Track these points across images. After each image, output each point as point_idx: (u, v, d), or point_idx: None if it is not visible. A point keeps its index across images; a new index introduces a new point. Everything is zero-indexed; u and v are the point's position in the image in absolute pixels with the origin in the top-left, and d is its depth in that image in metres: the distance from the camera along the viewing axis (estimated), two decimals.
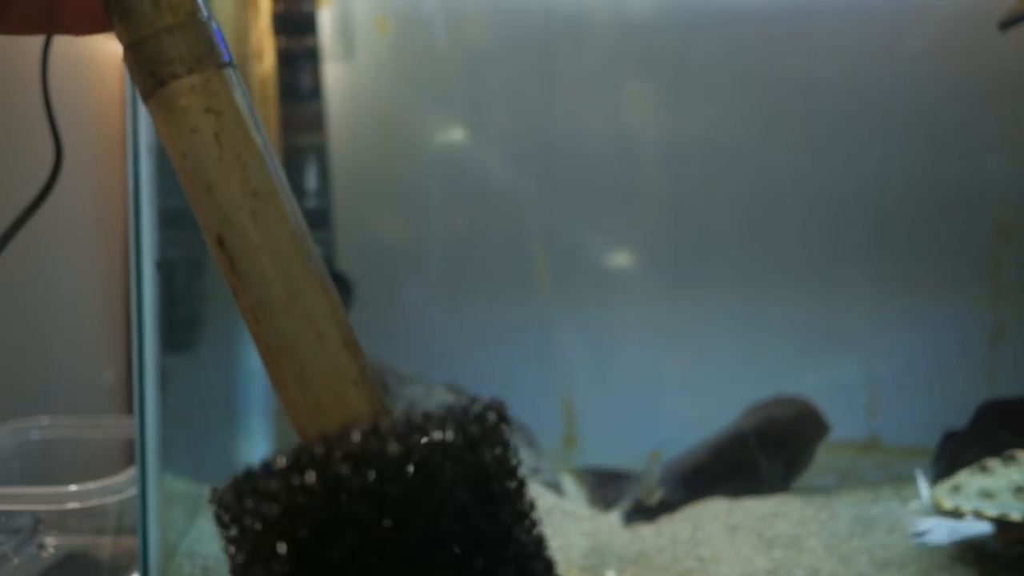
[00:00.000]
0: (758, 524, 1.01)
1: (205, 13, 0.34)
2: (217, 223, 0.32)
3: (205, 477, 1.14)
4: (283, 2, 1.20)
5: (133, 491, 0.89)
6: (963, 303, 1.21)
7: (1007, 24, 1.01)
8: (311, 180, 1.25)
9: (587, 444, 1.21)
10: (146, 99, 0.33)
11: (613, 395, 1.24)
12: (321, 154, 1.24)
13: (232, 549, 0.32)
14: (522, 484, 0.31)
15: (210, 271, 1.22)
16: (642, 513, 1.06)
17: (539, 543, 0.31)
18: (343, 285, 1.24)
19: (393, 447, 0.29)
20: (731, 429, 1.11)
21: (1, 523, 0.94)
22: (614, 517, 1.07)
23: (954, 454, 1.05)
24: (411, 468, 0.28)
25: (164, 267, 0.92)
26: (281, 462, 0.30)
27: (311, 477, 0.29)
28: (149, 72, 0.33)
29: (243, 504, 0.31)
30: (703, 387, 1.20)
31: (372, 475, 0.28)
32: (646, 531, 1.02)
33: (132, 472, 0.90)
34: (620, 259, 1.26)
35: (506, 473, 0.31)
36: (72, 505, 0.90)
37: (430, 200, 1.27)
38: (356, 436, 0.29)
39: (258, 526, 0.30)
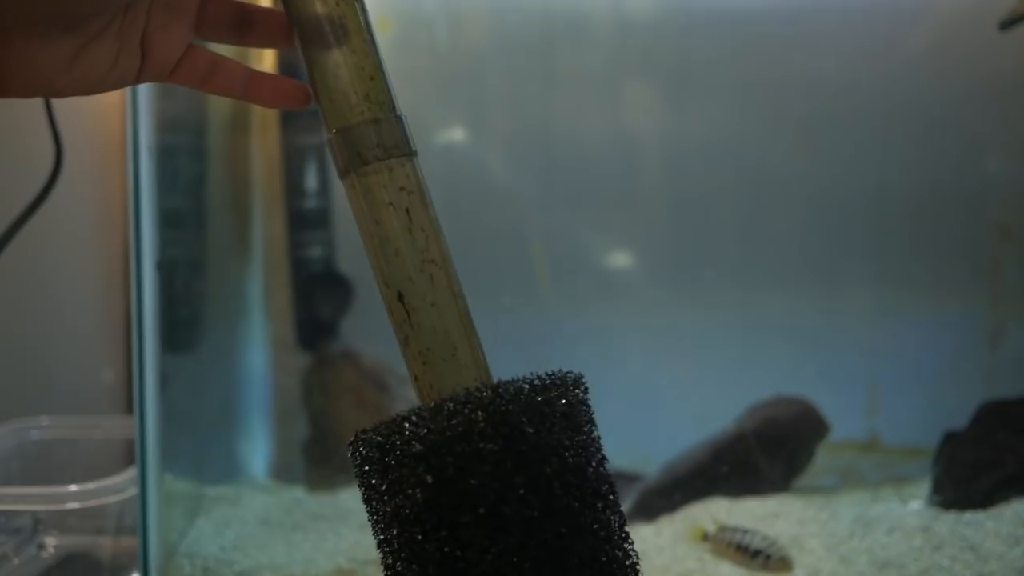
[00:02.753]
0: (758, 524, 1.01)
1: (400, 111, 0.40)
2: (400, 282, 0.39)
3: (205, 477, 1.14)
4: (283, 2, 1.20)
5: (133, 491, 0.89)
6: (963, 303, 1.21)
7: (1007, 24, 1.01)
8: (311, 180, 1.25)
9: None
10: (345, 175, 0.39)
11: (613, 395, 1.24)
12: (321, 154, 1.24)
13: (376, 481, 0.37)
14: (599, 446, 0.40)
15: (210, 271, 1.22)
16: (642, 513, 1.06)
17: (618, 514, 0.40)
18: (343, 285, 1.24)
19: (509, 404, 0.36)
20: (731, 429, 1.11)
21: (1, 523, 0.94)
22: None
23: (954, 454, 1.05)
24: (526, 421, 0.36)
25: (164, 267, 0.92)
26: (425, 412, 0.37)
27: (453, 421, 0.36)
28: (355, 153, 0.39)
29: (391, 441, 0.36)
30: (703, 387, 1.20)
31: (500, 423, 0.36)
32: (646, 531, 1.02)
33: (132, 472, 0.90)
34: (620, 259, 1.26)
35: (591, 433, 0.39)
36: (72, 505, 0.90)
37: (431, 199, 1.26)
38: (486, 393, 0.36)
39: (406, 459, 0.36)
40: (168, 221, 0.95)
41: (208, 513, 1.08)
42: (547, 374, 0.39)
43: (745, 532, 0.94)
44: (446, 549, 0.35)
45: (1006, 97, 1.16)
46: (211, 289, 1.22)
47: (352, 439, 0.38)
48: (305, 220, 1.24)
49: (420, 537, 0.36)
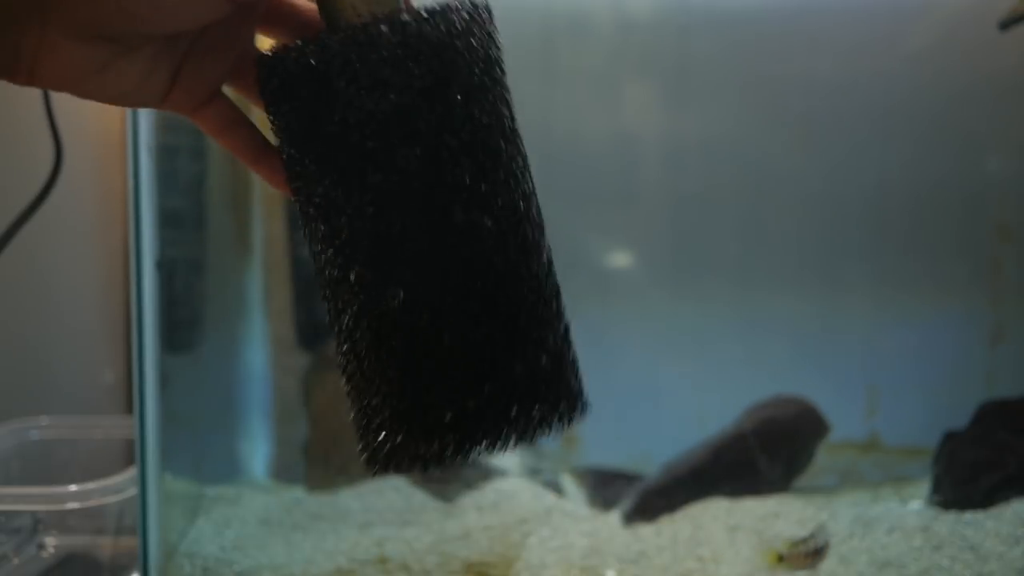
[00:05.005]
0: (758, 524, 1.01)
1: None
2: None
3: (205, 477, 1.14)
4: None
5: (133, 491, 0.89)
6: (963, 303, 1.21)
7: (1007, 24, 1.01)
8: None
9: (587, 444, 1.21)
10: None
11: (613, 395, 1.24)
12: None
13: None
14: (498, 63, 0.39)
15: (210, 271, 1.22)
16: (642, 513, 1.06)
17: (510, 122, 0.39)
18: None
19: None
20: (731, 429, 1.11)
21: (1, 523, 0.94)
22: (614, 517, 1.07)
23: (954, 454, 1.05)
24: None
25: (164, 267, 0.92)
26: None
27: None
28: None
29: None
30: (703, 387, 1.20)
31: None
32: (646, 531, 1.02)
33: (132, 472, 0.90)
34: (620, 259, 1.26)
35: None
36: (72, 505, 0.90)
37: None
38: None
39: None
40: (168, 221, 0.95)
41: (208, 513, 1.08)
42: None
43: (810, 536, 0.94)
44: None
45: (1006, 97, 1.16)
46: (211, 289, 1.22)
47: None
48: None
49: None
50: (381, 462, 0.38)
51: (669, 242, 1.24)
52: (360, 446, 0.38)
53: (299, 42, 0.37)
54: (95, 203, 1.26)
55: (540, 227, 0.40)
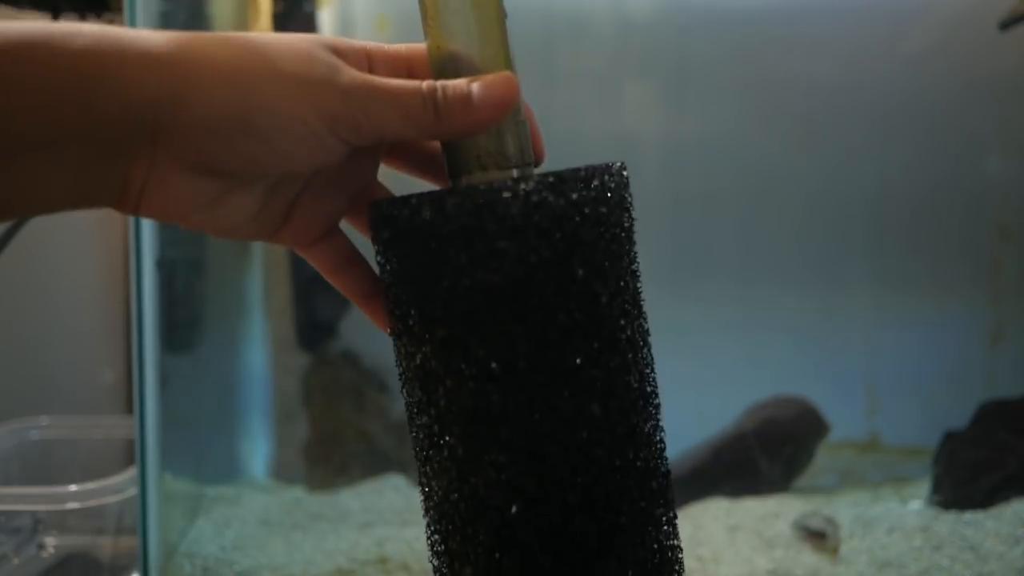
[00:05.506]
0: (758, 524, 1.01)
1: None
2: None
3: (205, 477, 1.14)
4: (283, 2, 1.20)
5: (133, 491, 0.89)
6: (963, 303, 1.21)
7: (1007, 24, 1.01)
8: None
9: None
10: None
11: None
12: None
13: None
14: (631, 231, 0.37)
15: (210, 271, 1.22)
16: None
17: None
18: None
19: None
20: (731, 429, 1.11)
21: (1, 523, 0.94)
22: None
23: (954, 454, 1.05)
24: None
25: (164, 267, 0.92)
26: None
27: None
28: None
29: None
30: (703, 387, 1.20)
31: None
32: None
33: (132, 472, 0.90)
34: None
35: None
36: (72, 505, 0.90)
37: None
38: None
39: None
40: None
41: (208, 513, 1.08)
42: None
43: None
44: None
45: (1006, 97, 1.16)
46: (211, 289, 1.22)
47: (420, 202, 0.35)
48: None
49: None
50: None
51: (669, 242, 1.24)
52: None
53: (415, 198, 0.34)
54: None
55: (655, 407, 0.37)
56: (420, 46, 0.37)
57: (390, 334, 0.37)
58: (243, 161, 0.33)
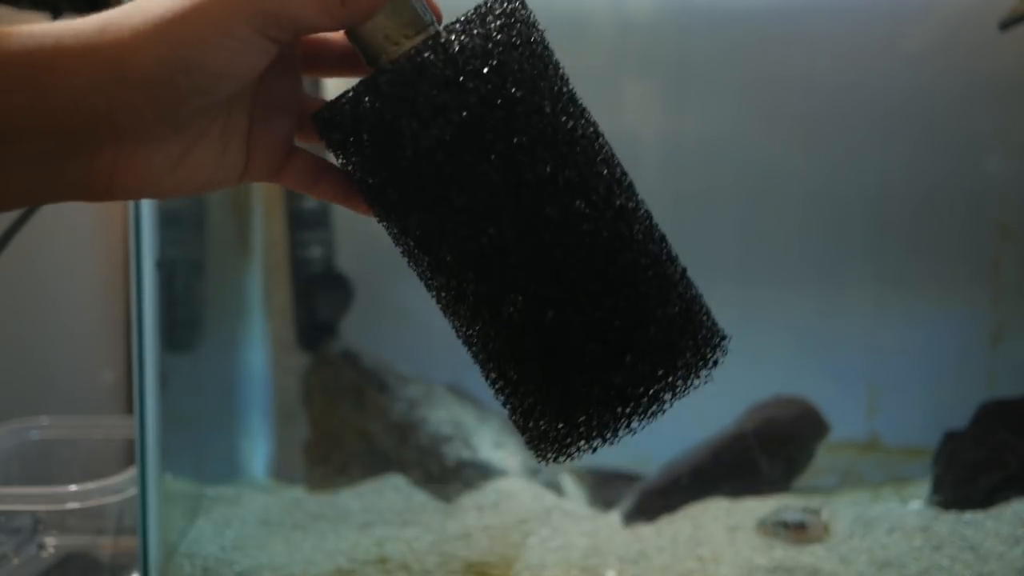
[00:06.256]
0: (758, 524, 1.01)
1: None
2: None
3: (205, 477, 1.14)
4: None
5: (133, 491, 0.89)
6: (963, 303, 1.21)
7: (1007, 24, 1.01)
8: None
9: None
10: None
11: None
12: (321, 153, 1.24)
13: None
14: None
15: (210, 271, 1.22)
16: (642, 513, 1.06)
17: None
18: (343, 285, 1.24)
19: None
20: (731, 429, 1.11)
21: (1, 523, 0.94)
22: (614, 517, 1.07)
23: (954, 454, 1.05)
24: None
25: (164, 267, 0.92)
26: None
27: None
28: None
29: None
30: (703, 387, 1.20)
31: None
32: (646, 531, 1.02)
33: (132, 472, 0.90)
34: None
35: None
36: (72, 505, 0.90)
37: None
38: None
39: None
40: (168, 221, 0.95)
41: (208, 513, 1.08)
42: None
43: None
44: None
45: (1006, 97, 1.16)
46: (211, 289, 1.22)
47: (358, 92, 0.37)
48: (305, 220, 1.24)
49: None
50: (551, 456, 0.39)
51: (669, 242, 1.24)
52: (527, 444, 0.40)
53: (349, 92, 0.37)
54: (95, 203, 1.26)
55: (628, 184, 0.41)
56: None
57: (378, 221, 0.40)
58: (191, 97, 0.34)
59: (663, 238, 0.41)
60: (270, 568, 0.96)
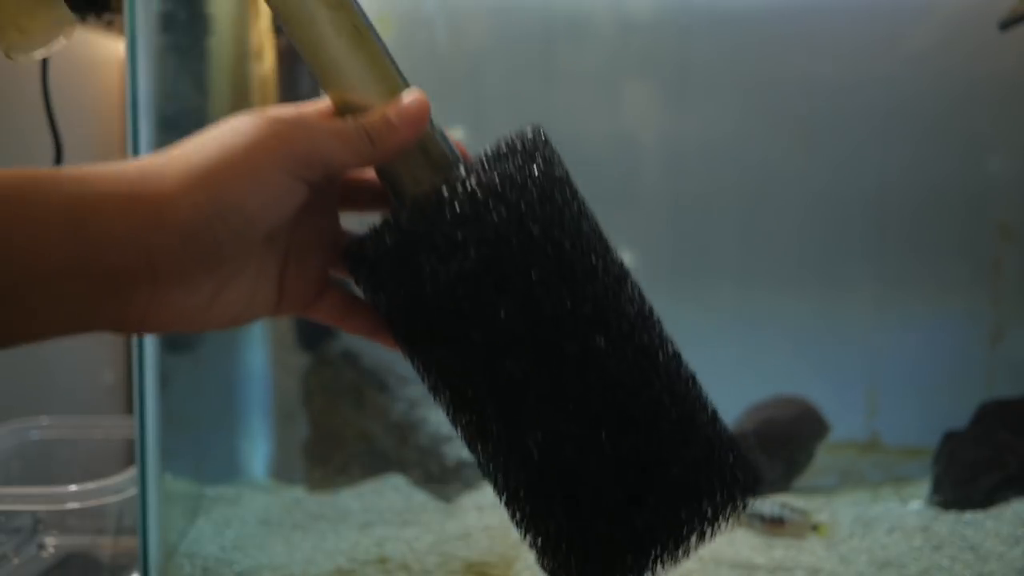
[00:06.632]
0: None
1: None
2: None
3: (205, 477, 1.14)
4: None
5: (133, 491, 0.89)
6: (963, 303, 1.21)
7: (1007, 24, 1.01)
8: None
9: None
10: None
11: None
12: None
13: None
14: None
15: None
16: None
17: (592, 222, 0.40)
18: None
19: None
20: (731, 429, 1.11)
21: (1, 523, 0.94)
22: None
23: (954, 454, 1.05)
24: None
25: None
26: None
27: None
28: None
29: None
30: (703, 387, 1.20)
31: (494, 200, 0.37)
32: None
33: (132, 472, 0.90)
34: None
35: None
36: (72, 505, 0.90)
37: None
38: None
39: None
40: None
41: (208, 513, 1.08)
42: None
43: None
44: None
45: (1007, 97, 1.16)
46: None
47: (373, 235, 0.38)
48: None
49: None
50: None
51: (669, 243, 1.24)
52: (548, 570, 0.39)
53: (372, 230, 0.38)
54: None
55: (655, 322, 0.40)
56: (327, 101, 0.40)
57: (404, 357, 0.40)
58: (227, 241, 0.36)
59: (692, 378, 0.40)
60: (270, 568, 0.96)
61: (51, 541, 0.96)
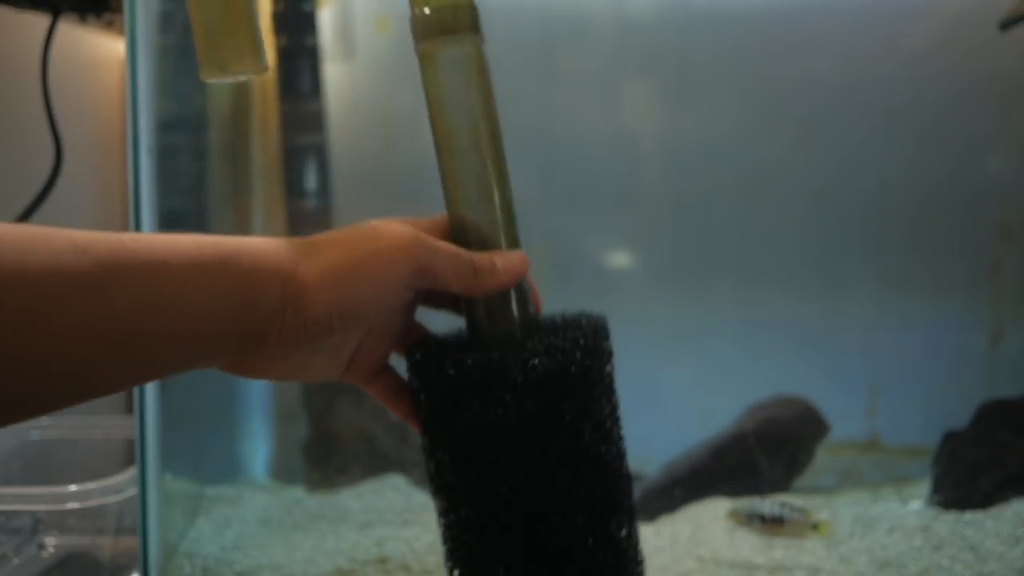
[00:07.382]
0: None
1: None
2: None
3: (205, 477, 1.14)
4: (283, 1, 1.20)
5: (133, 491, 0.89)
6: (963, 303, 1.21)
7: (1007, 24, 1.01)
8: (311, 180, 1.25)
9: None
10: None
11: None
12: (321, 154, 1.24)
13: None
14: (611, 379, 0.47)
15: None
16: (642, 513, 1.06)
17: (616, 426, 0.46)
18: None
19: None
20: (731, 429, 1.11)
21: (1, 523, 0.94)
22: None
23: (954, 454, 1.05)
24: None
25: None
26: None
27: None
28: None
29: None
30: (703, 387, 1.20)
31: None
32: (646, 531, 1.02)
33: (132, 472, 0.90)
34: (620, 259, 1.26)
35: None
36: (72, 505, 0.90)
37: (430, 200, 1.26)
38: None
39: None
40: (168, 221, 0.95)
41: (208, 513, 1.08)
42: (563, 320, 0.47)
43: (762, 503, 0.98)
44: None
45: (1006, 97, 1.16)
46: None
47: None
48: (306, 220, 1.24)
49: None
50: None
51: (669, 242, 1.24)
52: None
53: (442, 347, 0.45)
54: (95, 203, 1.26)
55: (629, 506, 0.46)
56: (443, 215, 0.48)
57: (421, 448, 0.47)
58: (338, 331, 0.42)
59: (641, 562, 0.47)
60: (270, 568, 0.96)
61: (51, 541, 0.96)
